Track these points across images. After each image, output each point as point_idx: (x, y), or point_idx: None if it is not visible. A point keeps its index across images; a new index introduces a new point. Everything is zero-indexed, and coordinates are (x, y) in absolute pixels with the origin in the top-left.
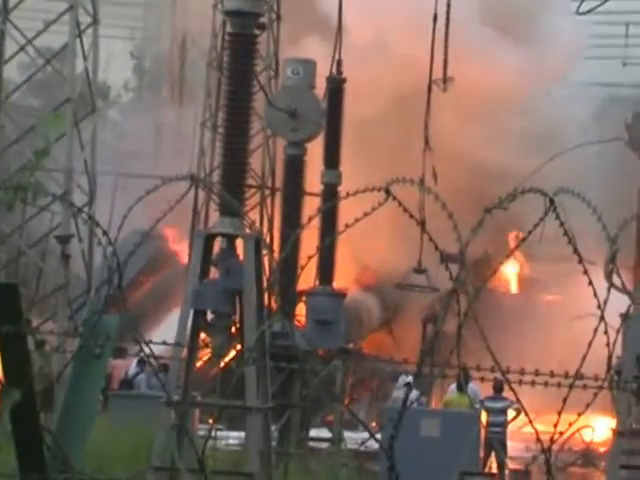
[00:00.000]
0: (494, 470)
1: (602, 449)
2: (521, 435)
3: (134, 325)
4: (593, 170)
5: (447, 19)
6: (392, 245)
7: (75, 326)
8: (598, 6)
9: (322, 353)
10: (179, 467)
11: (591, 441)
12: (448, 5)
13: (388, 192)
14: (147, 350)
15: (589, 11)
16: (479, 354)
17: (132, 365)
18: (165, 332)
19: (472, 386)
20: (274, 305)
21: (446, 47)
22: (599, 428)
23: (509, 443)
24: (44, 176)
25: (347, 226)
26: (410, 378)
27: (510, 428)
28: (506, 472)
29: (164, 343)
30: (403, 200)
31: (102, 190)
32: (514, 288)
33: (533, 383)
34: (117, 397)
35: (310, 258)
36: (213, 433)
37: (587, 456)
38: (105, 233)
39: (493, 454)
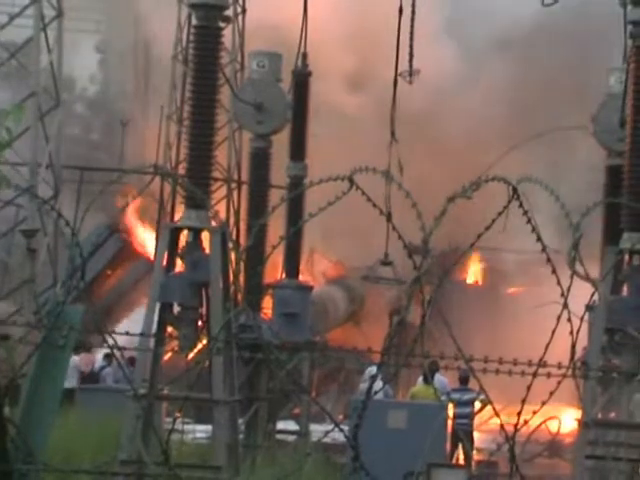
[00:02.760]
0: (461, 462)
1: (569, 440)
2: (488, 427)
3: (98, 317)
4: (561, 161)
5: (412, 12)
6: (360, 237)
7: (40, 318)
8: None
9: (289, 346)
10: (145, 460)
11: (557, 432)
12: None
13: (352, 181)
14: (111, 342)
15: (554, 3)
16: (444, 344)
17: (98, 358)
18: (132, 325)
19: (439, 377)
20: (240, 297)
21: (411, 39)
22: (566, 419)
23: (476, 434)
24: (9, 170)
25: (310, 215)
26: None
27: (477, 420)
28: (473, 463)
29: (127, 334)
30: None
31: (67, 184)
32: (480, 279)
33: (497, 372)
34: (84, 390)
35: (274, 248)
36: (179, 426)
37: (553, 447)
38: (68, 224)
39: (460, 446)
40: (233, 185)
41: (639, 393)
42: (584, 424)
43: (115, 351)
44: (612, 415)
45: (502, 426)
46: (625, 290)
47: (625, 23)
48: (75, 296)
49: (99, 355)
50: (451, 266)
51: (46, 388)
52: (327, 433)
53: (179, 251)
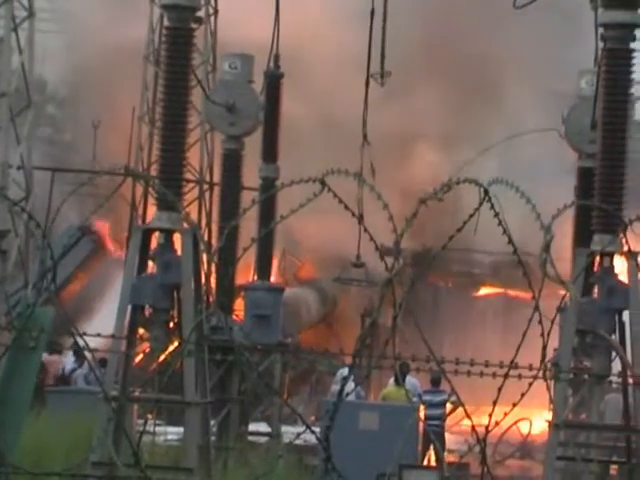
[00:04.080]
0: (433, 463)
1: (540, 441)
2: (460, 428)
3: (68, 318)
4: (532, 163)
5: (384, 13)
6: (333, 237)
7: (10, 320)
8: (534, 0)
9: (261, 347)
10: (116, 462)
11: (529, 434)
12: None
13: (323, 183)
14: (82, 343)
15: (525, 5)
16: (417, 346)
17: (69, 360)
18: (104, 327)
19: (411, 379)
20: (212, 299)
21: (383, 41)
22: (537, 421)
23: (448, 436)
24: None
25: (282, 217)
26: (346, 371)
27: (448, 421)
28: (444, 465)
29: (98, 335)
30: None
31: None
32: (452, 281)
33: (469, 373)
34: (55, 392)
35: (245, 250)
36: (151, 428)
37: (525, 448)
38: (38, 226)
39: (432, 447)
40: (205, 187)
41: (610, 394)
42: (555, 425)
43: (86, 353)
44: (583, 417)
45: (473, 428)
46: (596, 292)
47: (596, 26)
48: (46, 298)
49: (70, 357)
50: (423, 268)
51: (16, 390)
52: (299, 435)
53: (151, 253)
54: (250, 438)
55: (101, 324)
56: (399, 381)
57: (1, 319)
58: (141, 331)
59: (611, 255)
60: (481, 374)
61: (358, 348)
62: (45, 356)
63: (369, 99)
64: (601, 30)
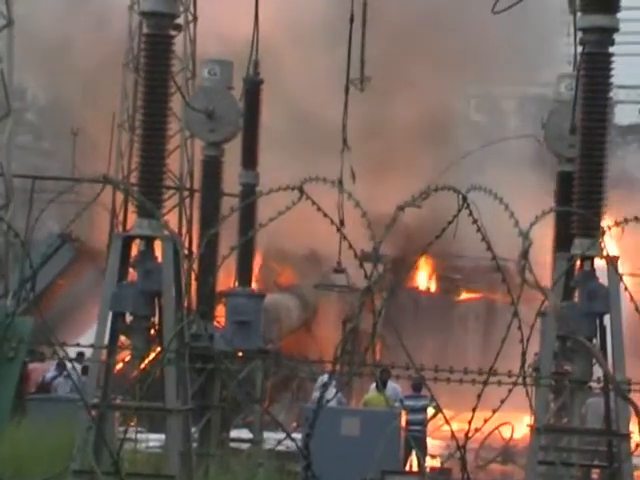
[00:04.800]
0: (415, 468)
1: (522, 446)
2: (441, 433)
3: (48, 328)
4: (512, 168)
5: (364, 19)
6: (313, 243)
7: None
8: (513, 5)
9: (241, 354)
10: (96, 470)
11: (510, 438)
12: (364, 5)
13: (302, 191)
14: (62, 353)
15: (505, 10)
16: (398, 351)
17: (50, 368)
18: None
19: (392, 385)
20: (193, 306)
21: (362, 46)
22: (519, 425)
23: (429, 441)
24: None
25: (261, 225)
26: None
27: (430, 426)
28: (426, 470)
29: (78, 345)
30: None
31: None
32: (433, 287)
33: (448, 380)
34: (35, 401)
35: (225, 258)
36: (132, 435)
37: (507, 453)
38: (17, 235)
39: (413, 452)
40: (185, 193)
41: (591, 398)
42: (536, 430)
43: (67, 362)
44: (564, 421)
45: (453, 434)
46: (576, 296)
47: (575, 30)
48: (25, 307)
49: (51, 365)
50: (402, 275)
51: None
52: (279, 442)
53: (131, 260)
54: (232, 445)
55: (89, 332)
56: (379, 387)
57: None
58: (122, 338)
59: (591, 259)
60: (460, 381)
61: (338, 355)
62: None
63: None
64: (580, 34)
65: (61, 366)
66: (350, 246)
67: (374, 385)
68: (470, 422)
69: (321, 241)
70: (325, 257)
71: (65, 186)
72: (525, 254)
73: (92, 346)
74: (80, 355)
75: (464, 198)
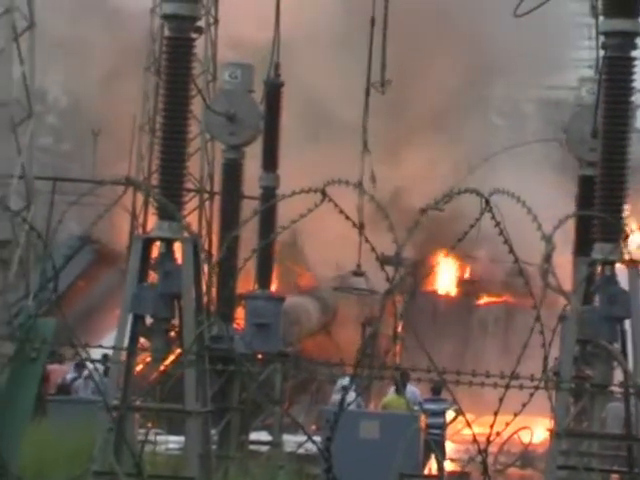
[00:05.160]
0: (434, 472)
1: (541, 450)
2: (461, 437)
3: (70, 329)
4: (535, 172)
5: (385, 22)
6: (333, 248)
7: (12, 331)
8: (536, 8)
9: (261, 356)
10: (117, 471)
11: (530, 442)
12: (386, 7)
13: (324, 193)
14: (84, 354)
15: (526, 13)
16: (417, 354)
17: (70, 370)
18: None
19: (411, 388)
20: (213, 308)
21: (384, 49)
22: (538, 430)
23: (449, 445)
24: None
25: (283, 228)
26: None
27: (449, 430)
28: (445, 474)
29: (100, 346)
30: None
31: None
32: (453, 290)
33: (470, 384)
34: (56, 402)
35: (247, 261)
36: (152, 437)
37: (526, 457)
38: (40, 236)
39: (432, 456)
40: (205, 196)
41: (611, 403)
42: (556, 434)
43: (89, 364)
44: (584, 425)
45: (475, 438)
46: (597, 301)
47: (597, 34)
48: (47, 308)
49: (70, 366)
50: (423, 279)
51: (18, 401)
52: (300, 445)
53: (151, 262)
54: (251, 447)
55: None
56: (400, 390)
57: (2, 329)
58: (142, 340)
59: (612, 264)
60: (482, 384)
61: (359, 359)
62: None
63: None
64: (602, 38)
65: (80, 367)
66: (372, 249)
67: (393, 388)
68: (492, 426)
69: (340, 243)
70: (344, 259)
71: (86, 188)
72: (548, 258)
73: (113, 348)
74: (105, 357)
75: (487, 201)
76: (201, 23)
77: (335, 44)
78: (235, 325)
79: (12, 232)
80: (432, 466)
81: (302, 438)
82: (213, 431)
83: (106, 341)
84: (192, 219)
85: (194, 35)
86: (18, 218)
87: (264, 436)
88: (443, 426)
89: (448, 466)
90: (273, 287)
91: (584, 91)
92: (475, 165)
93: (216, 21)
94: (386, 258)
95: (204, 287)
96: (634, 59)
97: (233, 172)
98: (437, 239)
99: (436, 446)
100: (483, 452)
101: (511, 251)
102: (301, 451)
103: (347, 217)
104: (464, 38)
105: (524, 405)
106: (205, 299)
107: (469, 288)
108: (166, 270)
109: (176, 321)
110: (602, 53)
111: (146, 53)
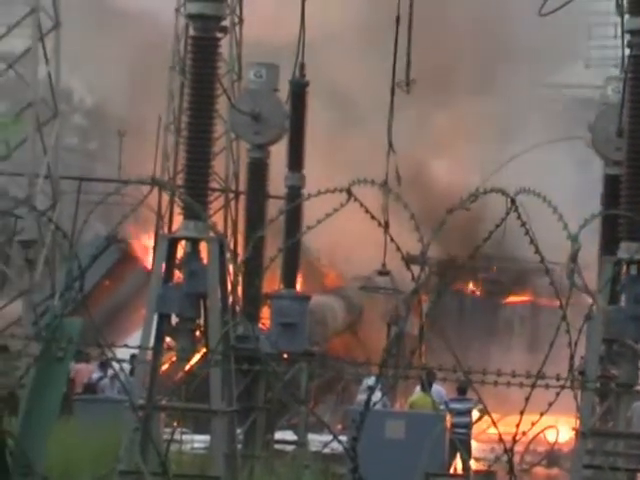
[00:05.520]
0: (459, 471)
1: (567, 450)
2: (487, 436)
3: (96, 328)
4: (559, 171)
5: (410, 21)
6: (358, 247)
7: (38, 330)
8: (560, 7)
9: (287, 356)
10: (143, 471)
11: (556, 442)
12: (411, 6)
13: (350, 193)
14: (110, 354)
15: (551, 12)
16: (443, 353)
17: (96, 369)
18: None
19: (437, 387)
20: (238, 308)
21: (409, 49)
22: (563, 429)
23: (474, 444)
24: (7, 180)
25: (309, 228)
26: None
27: (475, 429)
28: (471, 473)
29: (125, 346)
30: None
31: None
32: (478, 289)
33: (496, 383)
34: (82, 401)
35: (272, 260)
36: (177, 436)
37: (551, 457)
38: (65, 236)
39: (458, 455)
40: (231, 195)
41: (637, 402)
42: (582, 434)
43: (115, 363)
44: (610, 425)
45: (501, 437)
46: (623, 300)
47: (623, 32)
48: (73, 308)
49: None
50: (450, 279)
51: (44, 400)
52: (326, 445)
53: (177, 262)
54: (276, 446)
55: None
56: (425, 388)
57: (28, 328)
58: (168, 340)
59: (638, 263)
60: (508, 384)
61: (384, 359)
62: (72, 365)
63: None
64: (628, 36)
65: (104, 366)
66: (398, 248)
67: (419, 387)
68: (518, 425)
69: (365, 242)
70: (369, 258)
71: (111, 188)
72: (574, 257)
73: (139, 347)
74: (133, 357)
75: (512, 201)
76: (226, 23)
77: (360, 43)
78: (261, 325)
79: (38, 232)
80: (458, 465)
81: (327, 437)
82: (239, 430)
83: (132, 340)
84: (217, 218)
85: (219, 35)
86: (44, 218)
87: (289, 435)
88: (469, 425)
89: (474, 465)
90: (298, 286)
91: (610, 90)
92: (501, 165)
93: (241, 20)
94: (411, 257)
95: (229, 287)
96: None
97: (258, 171)
98: (464, 238)
99: (462, 445)
100: (509, 451)
101: (537, 251)
102: (326, 450)
103: (372, 216)
104: (490, 36)
105: (550, 404)
106: (230, 299)
107: (494, 287)
108: (192, 270)
109: (201, 321)
110: (628, 52)
111: (171, 52)
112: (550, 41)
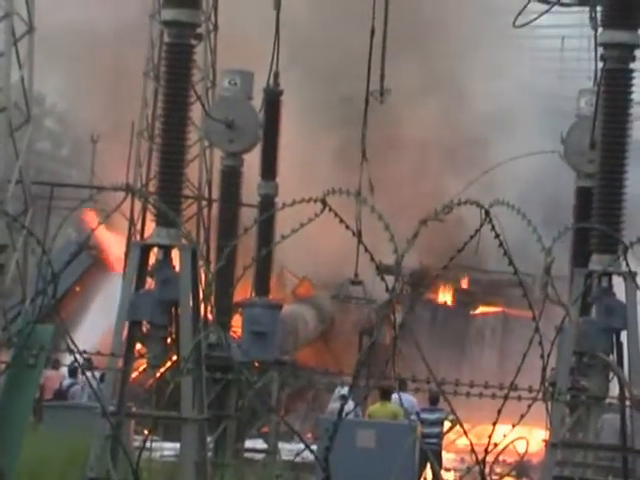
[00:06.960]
0: None
1: (536, 461)
2: (456, 446)
3: (68, 334)
4: (533, 183)
5: (384, 31)
6: (330, 256)
7: (9, 336)
8: (534, 20)
9: (258, 364)
10: (114, 478)
11: (525, 452)
12: (386, 16)
13: (324, 203)
14: (81, 360)
15: (525, 24)
16: (414, 362)
17: (66, 376)
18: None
19: (408, 397)
20: (210, 316)
21: (383, 58)
22: (534, 440)
23: (444, 454)
24: None
25: (283, 237)
26: (346, 389)
27: (444, 440)
28: None
29: (98, 353)
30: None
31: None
32: (450, 300)
33: (468, 394)
34: (52, 408)
35: (246, 269)
36: (148, 444)
37: (521, 467)
38: (39, 242)
39: (429, 465)
40: (204, 203)
41: (607, 414)
42: (552, 445)
43: (85, 369)
44: (580, 436)
45: (472, 448)
46: (594, 312)
47: (596, 45)
48: (45, 314)
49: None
50: (422, 290)
51: (16, 408)
52: (298, 454)
53: (149, 269)
54: (247, 455)
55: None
56: (385, 397)
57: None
58: (138, 347)
59: (609, 275)
60: (480, 395)
61: (358, 369)
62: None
63: None
64: (601, 50)
65: (74, 372)
66: (372, 259)
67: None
68: (490, 436)
69: (338, 252)
70: (342, 268)
71: (84, 193)
72: (548, 270)
73: (112, 354)
74: (88, 361)
75: (487, 212)
76: (201, 30)
77: (335, 51)
78: (232, 333)
79: (9, 237)
80: (428, 476)
81: (298, 446)
82: (209, 438)
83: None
84: (190, 226)
85: (194, 42)
86: (16, 223)
87: (260, 444)
88: (440, 435)
89: (444, 476)
90: (270, 295)
91: (583, 102)
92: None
93: (216, 28)
94: (384, 266)
95: (202, 294)
96: (633, 71)
97: (232, 179)
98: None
99: (433, 455)
100: (481, 463)
101: (511, 263)
102: (297, 459)
103: (347, 227)
104: (460, 47)
105: (522, 416)
106: (203, 306)
107: (466, 298)
108: (164, 277)
109: (173, 328)
110: (601, 65)
111: (145, 59)
112: (524, 54)
